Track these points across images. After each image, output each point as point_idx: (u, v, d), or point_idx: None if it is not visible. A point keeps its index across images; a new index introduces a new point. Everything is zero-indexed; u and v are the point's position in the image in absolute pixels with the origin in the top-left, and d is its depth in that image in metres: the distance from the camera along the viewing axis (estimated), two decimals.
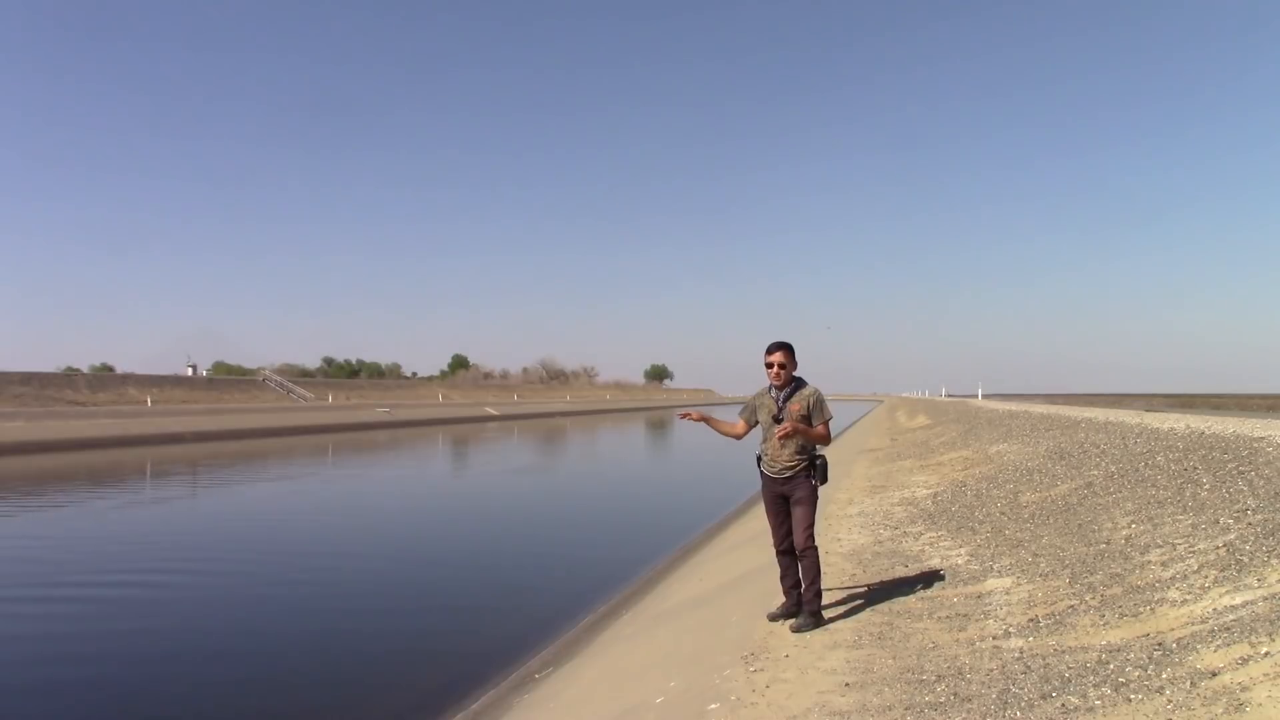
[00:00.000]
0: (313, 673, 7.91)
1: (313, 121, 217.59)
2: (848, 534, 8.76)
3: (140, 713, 7.00)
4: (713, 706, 4.24)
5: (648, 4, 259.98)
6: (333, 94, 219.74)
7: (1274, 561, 4.59)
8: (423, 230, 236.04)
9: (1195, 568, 4.94)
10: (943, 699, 3.75)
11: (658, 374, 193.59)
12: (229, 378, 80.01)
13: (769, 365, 5.51)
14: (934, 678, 4.06)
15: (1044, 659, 4.06)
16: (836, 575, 6.73)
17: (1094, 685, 3.56)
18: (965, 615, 5.16)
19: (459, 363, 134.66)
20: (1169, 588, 4.73)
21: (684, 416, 5.86)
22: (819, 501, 5.67)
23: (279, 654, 8.49)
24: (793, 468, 5.43)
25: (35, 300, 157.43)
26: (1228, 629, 3.82)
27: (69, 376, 61.28)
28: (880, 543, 8.08)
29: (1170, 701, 3.22)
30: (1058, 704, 3.44)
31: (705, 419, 5.81)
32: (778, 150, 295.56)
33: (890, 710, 3.74)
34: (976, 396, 64.68)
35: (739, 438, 5.86)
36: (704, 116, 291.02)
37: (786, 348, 5.51)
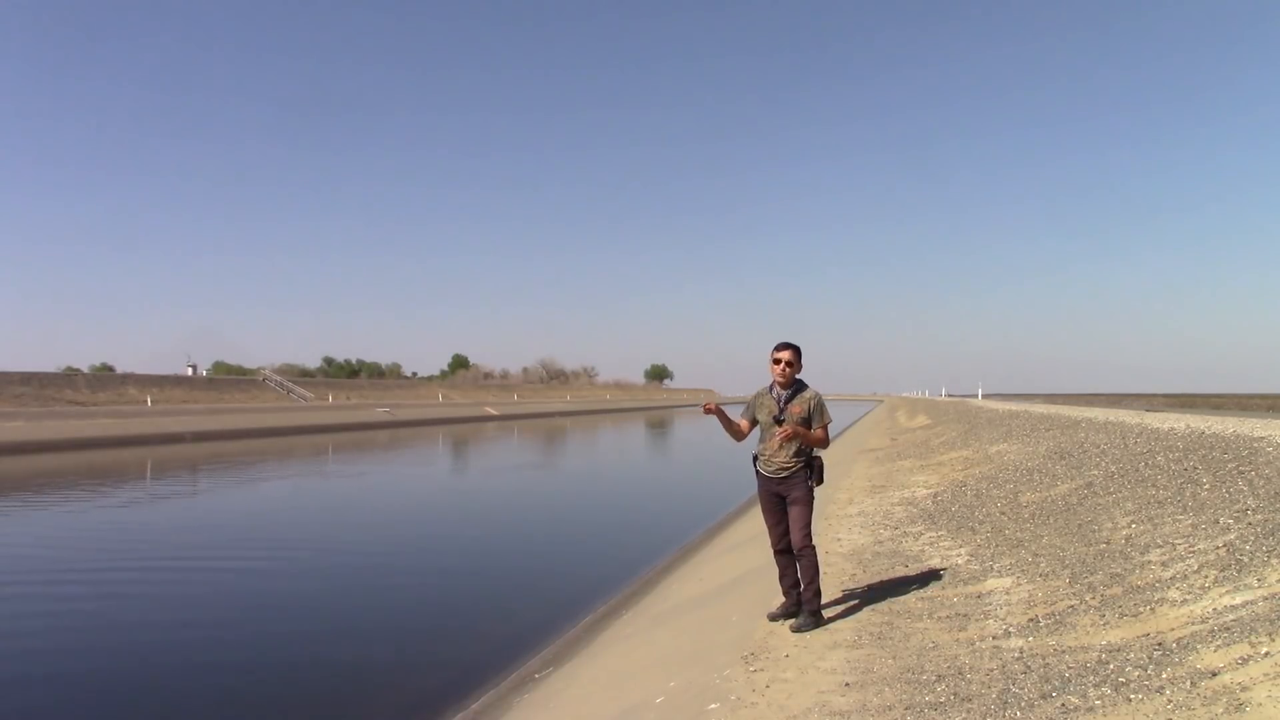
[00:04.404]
0: (312, 672, 7.91)
1: (313, 121, 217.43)
2: (848, 534, 8.76)
3: (138, 711, 7.00)
4: (713, 706, 4.24)
5: (648, 4, 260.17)
6: (333, 94, 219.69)
7: (1274, 561, 4.59)
8: (423, 230, 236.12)
9: (1195, 568, 4.94)
10: (943, 699, 3.75)
11: (658, 374, 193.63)
12: (229, 378, 79.95)
13: (776, 362, 5.49)
14: (934, 678, 4.06)
15: (1044, 659, 4.06)
16: (836, 575, 6.73)
17: (1094, 685, 3.56)
18: (965, 615, 5.16)
19: (459, 363, 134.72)
20: (1169, 588, 4.73)
21: (705, 408, 5.64)
22: (817, 501, 5.67)
23: (278, 653, 8.48)
24: (789, 468, 5.43)
25: (35, 300, 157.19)
26: (1228, 629, 3.82)
27: (69, 376, 61.24)
28: (880, 543, 8.08)
29: (1170, 701, 3.22)
30: (1058, 704, 3.44)
31: (720, 412, 5.62)
32: (778, 150, 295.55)
33: (890, 710, 3.74)
34: (976, 396, 64.72)
35: (742, 437, 5.78)
36: (704, 116, 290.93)
37: (795, 348, 5.51)
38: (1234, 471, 7.41)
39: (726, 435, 5.85)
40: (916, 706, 3.72)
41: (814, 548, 5.44)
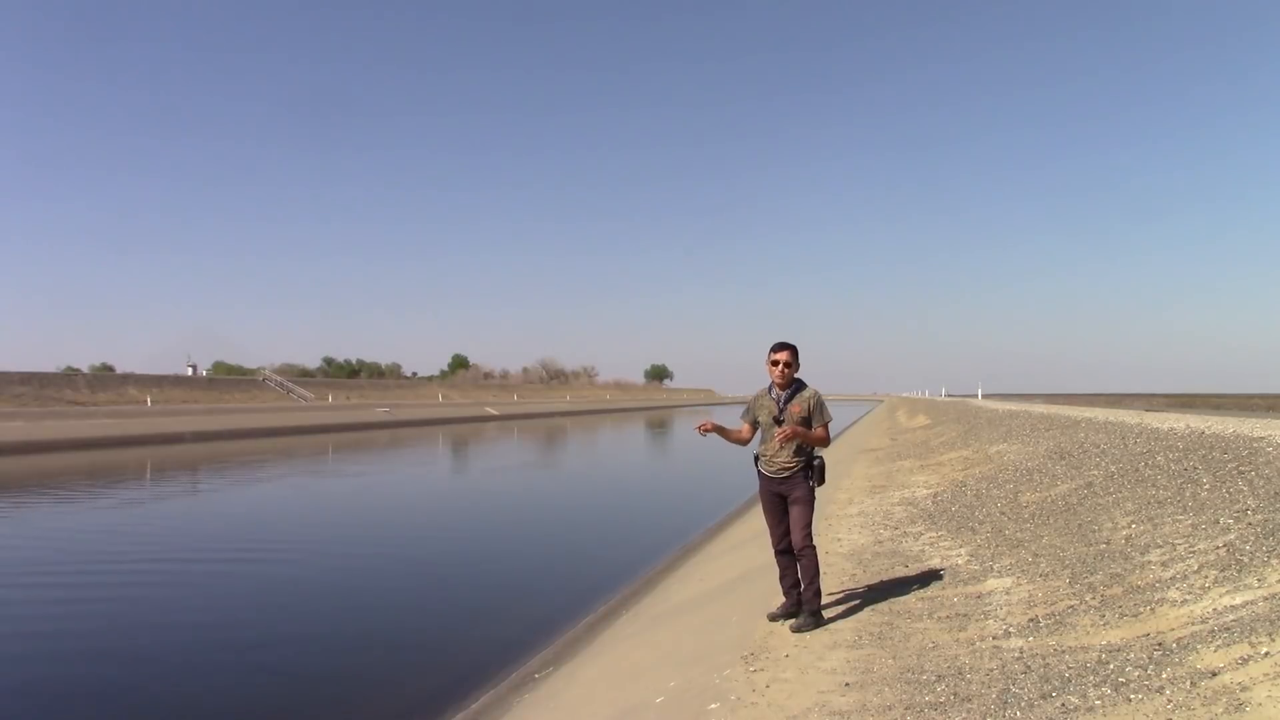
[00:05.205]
0: (312, 672, 7.90)
1: (313, 121, 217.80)
2: (848, 534, 8.76)
3: (138, 710, 7.00)
4: (713, 706, 4.24)
5: (648, 4, 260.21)
6: (333, 94, 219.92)
7: (1274, 561, 4.59)
8: (423, 230, 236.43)
9: (1195, 568, 4.94)
10: (943, 699, 3.75)
11: (658, 374, 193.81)
12: (229, 378, 79.99)
13: (774, 363, 5.49)
14: (934, 678, 4.06)
15: (1044, 659, 4.06)
16: (836, 575, 6.73)
17: (1094, 685, 3.56)
18: (965, 615, 5.16)
19: (459, 363, 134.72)
20: (1169, 588, 4.73)
21: (700, 428, 5.62)
22: (817, 501, 5.66)
23: (278, 653, 8.48)
24: (790, 468, 5.43)
25: (35, 300, 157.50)
26: (1228, 629, 3.82)
27: (69, 376, 61.25)
28: (880, 543, 8.08)
29: (1170, 701, 3.22)
30: (1058, 704, 3.44)
31: (717, 429, 5.64)
32: (778, 150, 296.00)
33: (890, 710, 3.74)
34: (976, 396, 64.71)
35: (746, 443, 5.77)
36: (704, 116, 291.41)
37: (792, 348, 5.51)
38: (1234, 471, 7.40)
39: (730, 445, 5.82)
40: (916, 706, 3.72)
41: (814, 548, 5.44)
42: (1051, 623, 4.65)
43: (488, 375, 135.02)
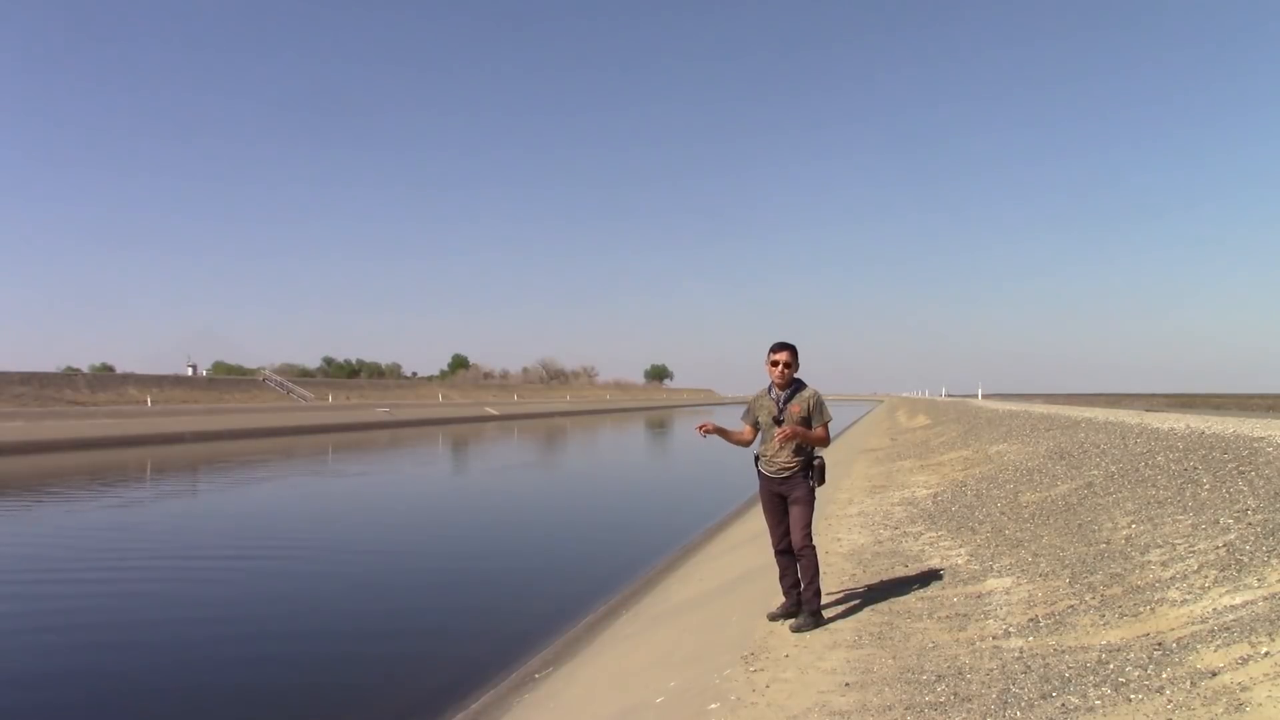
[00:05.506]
0: (312, 673, 7.90)
1: (313, 121, 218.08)
2: (848, 534, 8.76)
3: (137, 711, 7.00)
4: (713, 706, 4.24)
5: (648, 4, 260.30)
6: (333, 94, 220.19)
7: (1274, 561, 4.59)
8: (423, 230, 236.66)
9: (1195, 568, 4.94)
10: (943, 699, 3.75)
11: (658, 374, 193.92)
12: (229, 378, 80.00)
13: (774, 364, 5.49)
14: (934, 678, 4.06)
15: (1044, 659, 4.06)
16: (836, 575, 6.73)
17: (1094, 685, 3.56)
18: (965, 615, 5.16)
19: (459, 363, 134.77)
20: (1169, 588, 4.73)
21: (701, 429, 5.62)
22: (817, 501, 5.67)
23: (278, 652, 8.48)
24: (790, 468, 5.43)
25: (35, 300, 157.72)
26: (1228, 629, 3.82)
27: (69, 376, 61.25)
28: (880, 543, 8.08)
29: (1170, 701, 3.22)
30: (1058, 704, 3.44)
31: (719, 430, 5.65)
32: (778, 150, 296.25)
33: (890, 710, 3.74)
34: (976, 396, 64.70)
35: (747, 444, 5.77)
36: (704, 116, 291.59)
37: (792, 348, 5.51)
38: (1234, 471, 7.40)
39: (730, 445, 5.82)
40: (916, 706, 3.72)
41: (814, 548, 5.44)
42: (1051, 623, 4.65)
43: (488, 375, 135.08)
